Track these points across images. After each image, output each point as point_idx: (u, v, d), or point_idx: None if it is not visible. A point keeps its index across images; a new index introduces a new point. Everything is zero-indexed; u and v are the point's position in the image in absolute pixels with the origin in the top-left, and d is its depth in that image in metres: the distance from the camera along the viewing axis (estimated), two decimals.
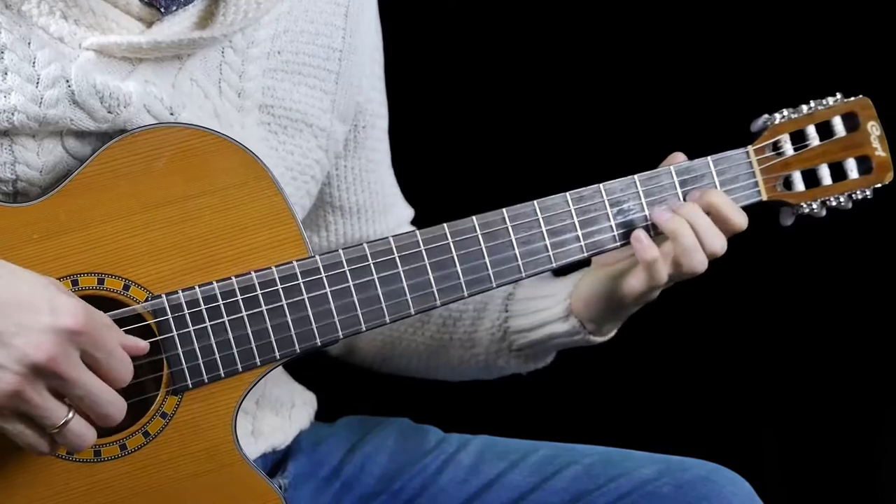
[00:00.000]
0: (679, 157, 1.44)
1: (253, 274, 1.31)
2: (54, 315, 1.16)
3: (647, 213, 1.41)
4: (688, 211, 1.39)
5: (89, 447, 1.22)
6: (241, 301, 1.30)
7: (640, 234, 1.39)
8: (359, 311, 1.33)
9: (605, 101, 2.09)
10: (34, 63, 1.28)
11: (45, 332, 1.16)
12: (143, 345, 1.24)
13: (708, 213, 1.40)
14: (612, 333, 1.50)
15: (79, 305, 1.18)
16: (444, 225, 1.36)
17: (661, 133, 1.44)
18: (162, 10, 1.33)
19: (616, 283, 1.43)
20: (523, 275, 1.38)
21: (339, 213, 1.53)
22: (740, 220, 1.41)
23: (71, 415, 1.18)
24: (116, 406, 1.20)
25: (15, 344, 1.15)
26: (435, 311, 1.53)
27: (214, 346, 1.30)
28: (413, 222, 1.62)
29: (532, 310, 1.49)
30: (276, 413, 1.50)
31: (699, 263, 1.39)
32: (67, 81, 1.28)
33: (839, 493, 2.24)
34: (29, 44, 1.28)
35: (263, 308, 1.31)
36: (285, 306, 1.31)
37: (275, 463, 1.51)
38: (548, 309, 1.48)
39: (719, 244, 1.40)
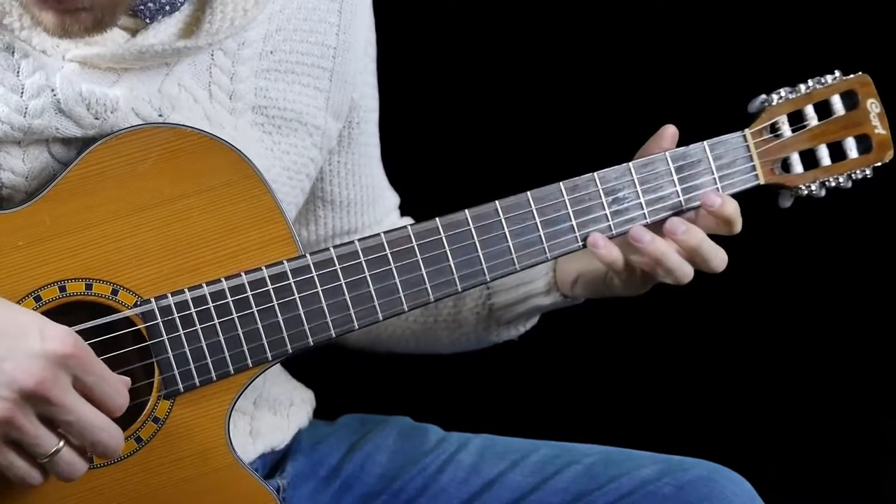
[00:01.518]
0: (669, 130, 1.42)
1: (243, 275, 1.29)
2: (44, 340, 1.15)
3: (642, 200, 1.39)
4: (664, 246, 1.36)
5: (80, 475, 1.20)
6: (231, 303, 1.29)
7: (595, 240, 1.36)
8: (351, 310, 1.32)
9: (598, 87, 2.08)
10: (18, 72, 1.26)
11: (34, 358, 1.14)
12: (126, 379, 1.23)
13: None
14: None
15: (68, 331, 1.17)
16: (437, 219, 1.34)
17: (655, 118, 1.42)
18: (147, 20, 1.31)
19: (600, 273, 1.42)
20: (517, 267, 1.36)
21: (329, 207, 1.52)
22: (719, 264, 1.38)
23: (62, 444, 1.17)
24: (109, 433, 1.18)
25: (5, 368, 1.14)
26: None
27: (205, 348, 1.28)
28: (401, 209, 1.61)
29: (514, 283, 1.49)
30: (275, 412, 1.49)
31: (685, 276, 1.37)
32: (52, 90, 1.26)
33: (839, 493, 2.23)
34: (12, 53, 1.27)
35: (254, 309, 1.29)
36: (276, 307, 1.30)
37: (274, 463, 1.50)
38: (531, 282, 1.48)
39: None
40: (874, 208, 1.83)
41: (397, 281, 1.33)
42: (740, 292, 2.12)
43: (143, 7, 1.30)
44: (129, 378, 1.22)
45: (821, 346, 2.19)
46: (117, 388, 1.19)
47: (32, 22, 1.25)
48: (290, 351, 1.30)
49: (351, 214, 1.53)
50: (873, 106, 1.45)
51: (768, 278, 2.15)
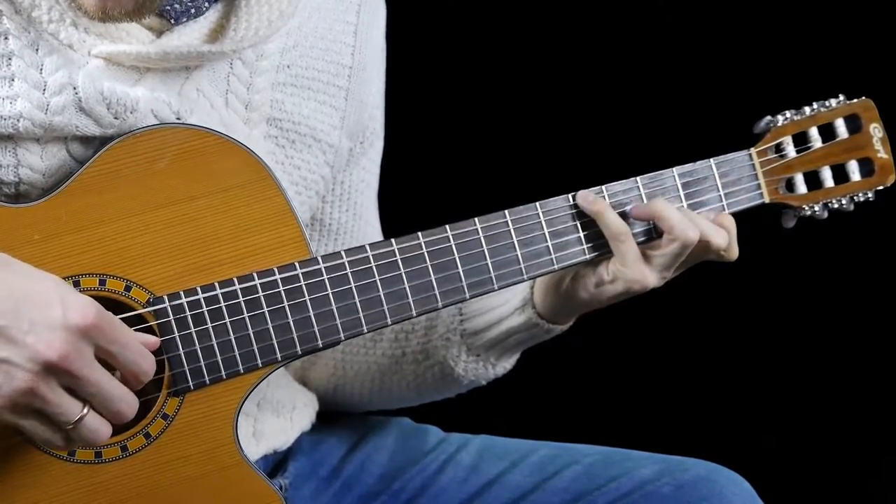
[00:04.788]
0: None
1: (255, 275, 1.31)
2: (65, 312, 1.16)
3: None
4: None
5: (104, 442, 1.22)
6: (242, 302, 1.30)
7: (585, 194, 1.37)
8: (360, 313, 1.33)
9: (608, 102, 2.09)
10: (41, 69, 1.27)
11: (56, 330, 1.15)
12: (152, 340, 1.24)
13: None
14: (571, 322, 1.46)
15: (90, 301, 1.18)
16: (447, 226, 1.36)
17: (663, 134, 1.45)
18: (172, 20, 1.32)
19: (571, 277, 1.41)
20: (525, 276, 1.38)
21: (316, 228, 1.50)
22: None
23: (86, 410, 1.18)
24: (128, 402, 1.20)
25: (27, 342, 1.15)
26: (387, 329, 1.49)
27: (216, 347, 1.30)
28: (415, 225, 1.61)
29: (488, 308, 1.46)
30: (278, 415, 1.50)
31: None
32: (74, 88, 1.27)
33: (839, 493, 2.25)
34: (37, 50, 1.27)
35: (265, 309, 1.31)
36: (287, 308, 1.31)
37: (275, 463, 1.51)
38: (505, 304, 1.44)
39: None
40: (873, 222, 1.85)
41: (406, 286, 1.34)
42: (739, 294, 2.13)
43: (168, 7, 1.31)
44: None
45: (820, 347, 2.20)
46: (142, 352, 1.20)
47: (71, 5, 1.25)
48: (300, 352, 1.32)
49: (338, 243, 1.50)
50: (876, 130, 1.47)
51: (767, 280, 2.16)
